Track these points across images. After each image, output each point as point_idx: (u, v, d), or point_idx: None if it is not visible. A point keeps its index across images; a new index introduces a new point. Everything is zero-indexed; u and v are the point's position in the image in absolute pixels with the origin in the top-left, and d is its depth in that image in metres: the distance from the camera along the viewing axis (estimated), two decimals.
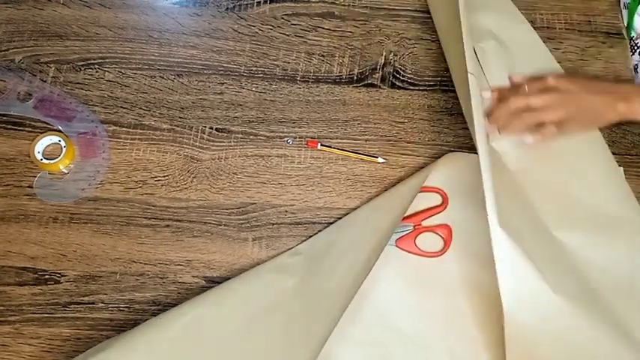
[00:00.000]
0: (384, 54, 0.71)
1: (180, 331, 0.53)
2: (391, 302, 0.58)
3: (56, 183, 0.63)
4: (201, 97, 0.68)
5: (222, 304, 0.56)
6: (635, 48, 0.71)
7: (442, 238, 0.61)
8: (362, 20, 0.73)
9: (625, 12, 0.72)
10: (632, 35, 0.71)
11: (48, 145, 0.63)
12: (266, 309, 0.55)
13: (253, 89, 0.69)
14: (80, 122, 0.66)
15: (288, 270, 0.58)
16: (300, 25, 0.72)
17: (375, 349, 0.57)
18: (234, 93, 0.68)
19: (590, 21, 0.73)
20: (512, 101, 0.60)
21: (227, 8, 0.73)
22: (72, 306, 0.59)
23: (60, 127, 0.65)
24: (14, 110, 0.66)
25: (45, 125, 0.66)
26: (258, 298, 0.56)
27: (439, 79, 0.70)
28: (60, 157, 0.62)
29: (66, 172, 0.64)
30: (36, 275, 0.60)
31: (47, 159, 0.63)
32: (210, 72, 0.70)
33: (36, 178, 0.63)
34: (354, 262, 0.57)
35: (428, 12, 0.73)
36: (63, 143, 0.63)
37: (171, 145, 0.66)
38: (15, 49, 0.70)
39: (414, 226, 0.62)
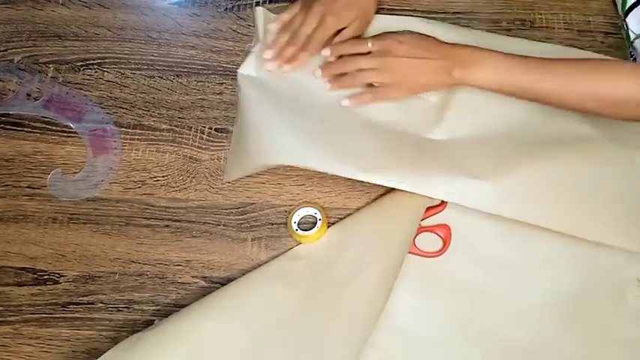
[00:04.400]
0: None
1: (187, 351, 0.52)
2: (391, 303, 0.58)
3: (70, 180, 0.63)
4: (200, 97, 0.68)
5: (229, 321, 0.54)
6: (632, 53, 0.71)
7: (441, 238, 0.61)
8: None
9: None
10: (631, 40, 0.71)
11: (303, 217, 0.62)
12: (273, 327, 0.54)
13: None
14: (91, 119, 0.66)
15: (291, 279, 0.58)
16: None
17: (376, 351, 0.57)
18: (233, 93, 0.68)
19: (589, 21, 0.73)
20: (345, 61, 0.64)
21: (226, 8, 0.73)
22: (71, 306, 0.59)
23: (71, 125, 0.66)
24: (25, 109, 0.66)
25: (43, 125, 0.66)
26: (264, 316, 0.55)
27: None
28: (315, 230, 0.60)
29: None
30: (35, 276, 0.60)
31: (302, 230, 0.61)
32: (210, 72, 0.69)
33: (49, 176, 0.63)
34: (361, 288, 0.56)
35: (428, 12, 0.73)
36: (318, 216, 0.61)
37: (171, 146, 0.66)
38: (14, 50, 0.70)
39: None
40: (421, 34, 0.63)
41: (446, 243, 0.61)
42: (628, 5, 0.70)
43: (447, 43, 0.62)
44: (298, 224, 0.61)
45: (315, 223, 0.61)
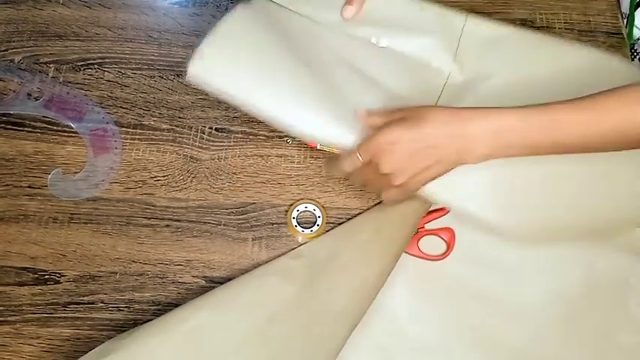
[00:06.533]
0: None
1: (182, 339, 0.52)
2: (394, 305, 0.58)
3: (71, 180, 0.63)
4: (200, 96, 0.68)
5: (225, 311, 0.55)
6: (635, 54, 0.70)
7: (445, 241, 0.61)
8: None
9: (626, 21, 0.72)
10: (632, 42, 0.71)
11: (301, 212, 0.62)
12: (269, 319, 0.54)
13: None
14: (91, 119, 0.66)
15: (291, 275, 0.58)
16: None
17: (377, 353, 0.57)
18: None
19: (589, 21, 0.73)
20: (354, 174, 0.54)
21: (227, 8, 0.73)
22: (72, 306, 0.59)
23: (72, 125, 0.66)
24: (26, 109, 0.66)
25: (44, 125, 0.66)
26: (260, 307, 0.55)
27: None
28: (316, 229, 0.61)
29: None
30: (36, 275, 0.60)
31: (301, 226, 0.61)
32: None
33: (50, 175, 0.63)
34: (359, 285, 0.56)
35: None
36: (318, 213, 0.62)
37: (171, 145, 0.66)
38: (14, 50, 0.70)
39: (417, 229, 0.61)
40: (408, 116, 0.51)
41: (449, 246, 0.61)
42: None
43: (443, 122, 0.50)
44: (297, 221, 0.62)
45: (314, 222, 0.61)
